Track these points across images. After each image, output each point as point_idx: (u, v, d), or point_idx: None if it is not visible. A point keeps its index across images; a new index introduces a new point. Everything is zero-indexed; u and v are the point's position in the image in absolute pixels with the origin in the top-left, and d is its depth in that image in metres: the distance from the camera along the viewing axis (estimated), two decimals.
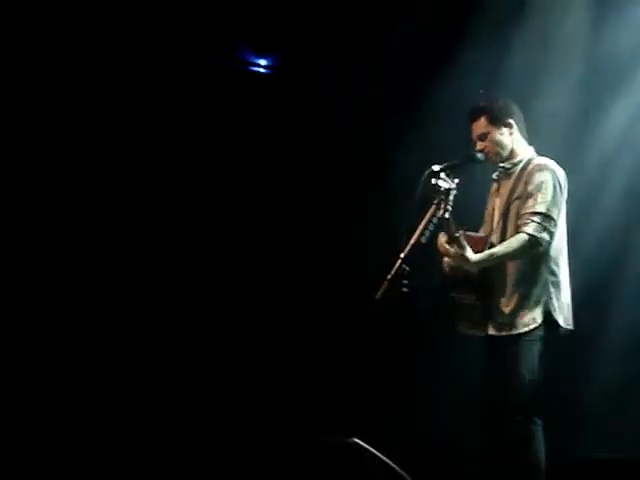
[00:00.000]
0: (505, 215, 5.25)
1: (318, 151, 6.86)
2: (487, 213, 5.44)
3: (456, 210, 4.99)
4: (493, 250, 5.14)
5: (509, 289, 5.18)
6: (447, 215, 4.95)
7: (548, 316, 5.15)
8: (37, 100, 6.30)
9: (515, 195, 5.22)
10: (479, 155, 5.29)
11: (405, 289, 4.94)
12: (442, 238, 5.13)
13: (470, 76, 6.40)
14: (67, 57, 6.36)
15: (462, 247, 5.03)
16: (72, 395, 6.33)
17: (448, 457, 6.41)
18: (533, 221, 5.09)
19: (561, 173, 5.23)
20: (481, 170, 5.51)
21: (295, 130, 6.88)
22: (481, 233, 5.38)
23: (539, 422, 5.14)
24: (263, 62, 6.98)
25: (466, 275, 5.18)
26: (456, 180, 5.04)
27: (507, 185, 5.30)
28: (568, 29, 6.44)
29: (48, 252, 6.36)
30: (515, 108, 5.37)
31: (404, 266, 4.95)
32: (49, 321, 6.34)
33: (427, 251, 5.15)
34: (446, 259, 5.23)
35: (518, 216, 5.17)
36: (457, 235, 5.02)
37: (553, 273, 5.19)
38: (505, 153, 5.31)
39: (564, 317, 5.20)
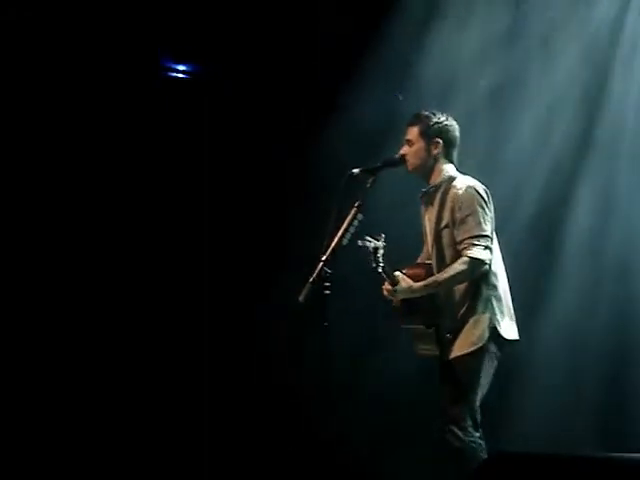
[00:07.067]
0: (438, 242, 5.27)
1: (235, 157, 6.88)
2: (423, 233, 5.45)
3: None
4: (435, 277, 5.18)
5: (454, 311, 5.22)
6: None
7: (494, 331, 5.20)
8: None
9: (443, 223, 5.23)
10: (396, 156, 5.32)
11: (327, 292, 4.94)
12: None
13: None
14: None
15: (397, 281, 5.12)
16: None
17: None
18: (474, 244, 5.13)
19: (482, 188, 5.26)
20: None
21: (213, 134, 6.90)
22: (423, 257, 5.43)
23: (476, 434, 5.15)
24: (181, 68, 6.98)
25: (412, 305, 5.22)
26: None
27: (432, 212, 5.32)
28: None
29: None
30: (451, 129, 5.35)
31: (325, 269, 4.94)
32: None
33: None
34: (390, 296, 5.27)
35: (454, 242, 5.20)
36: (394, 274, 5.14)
37: (494, 287, 5.25)
38: (422, 167, 5.33)
39: (509, 329, 5.25)
